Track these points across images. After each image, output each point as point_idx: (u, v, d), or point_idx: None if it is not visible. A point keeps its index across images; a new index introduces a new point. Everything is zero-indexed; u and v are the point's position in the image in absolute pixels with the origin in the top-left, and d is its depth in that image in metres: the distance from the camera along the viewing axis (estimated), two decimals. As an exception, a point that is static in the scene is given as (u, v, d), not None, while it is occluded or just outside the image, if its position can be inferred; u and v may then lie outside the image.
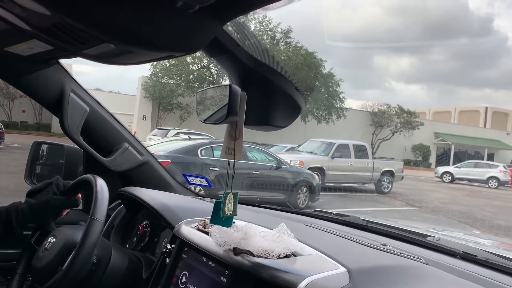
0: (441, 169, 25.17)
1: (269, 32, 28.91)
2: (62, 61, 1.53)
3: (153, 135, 18.50)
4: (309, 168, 11.29)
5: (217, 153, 8.25)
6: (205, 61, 27.82)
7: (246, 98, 0.94)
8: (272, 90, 0.93)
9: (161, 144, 9.37)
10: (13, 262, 1.29)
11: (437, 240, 1.31)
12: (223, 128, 1.01)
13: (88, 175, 1.21)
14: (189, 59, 27.51)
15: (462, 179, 23.23)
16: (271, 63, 0.91)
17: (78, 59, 1.02)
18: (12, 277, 1.24)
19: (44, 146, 1.97)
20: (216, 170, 7.78)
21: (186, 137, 10.68)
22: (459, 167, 24.64)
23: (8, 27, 0.90)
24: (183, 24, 0.70)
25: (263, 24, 28.75)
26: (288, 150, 16.61)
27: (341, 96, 30.56)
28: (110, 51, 0.78)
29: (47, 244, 1.16)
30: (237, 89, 0.91)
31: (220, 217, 1.01)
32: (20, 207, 1.22)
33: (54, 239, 1.16)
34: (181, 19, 0.69)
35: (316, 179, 9.79)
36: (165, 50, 0.76)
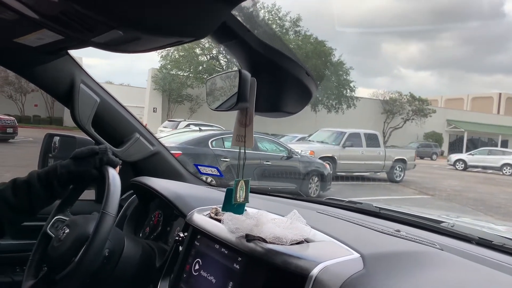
0: (454, 156, 24.89)
1: (278, 21, 28.70)
2: (72, 53, 1.53)
3: (164, 127, 18.58)
4: (320, 158, 11.24)
5: (228, 144, 8.26)
6: (214, 52, 27.75)
7: (256, 84, 0.93)
8: (282, 76, 0.92)
9: (172, 135, 9.40)
10: (30, 253, 1.30)
11: (452, 226, 1.30)
12: (233, 119, 1.00)
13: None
14: (198, 50, 27.47)
15: (475, 167, 22.94)
16: (281, 48, 0.89)
17: (88, 51, 1.01)
18: (29, 264, 1.25)
19: (56, 138, 1.98)
20: (227, 161, 7.80)
21: (197, 128, 10.71)
22: (472, 155, 24.34)
23: (17, 17, 0.90)
24: (191, 8, 0.69)
25: (272, 13, 28.56)
26: (298, 140, 16.56)
27: (351, 85, 30.37)
28: (118, 38, 0.78)
29: (61, 235, 1.17)
30: (247, 74, 0.90)
31: (232, 205, 1.01)
32: (59, 172, 1.20)
33: (68, 230, 1.17)
34: (189, 3, 0.68)
35: (327, 168, 9.75)
36: (173, 35, 0.75)
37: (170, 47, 0.88)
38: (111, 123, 1.69)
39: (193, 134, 8.95)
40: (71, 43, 1.12)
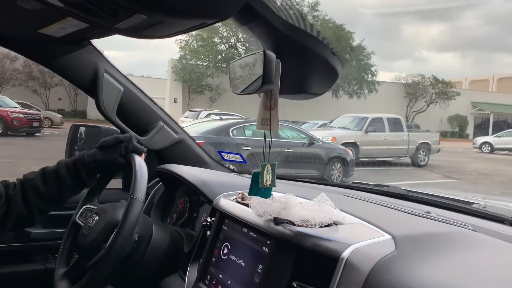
0: (480, 139, 24.32)
1: (296, 6, 28.29)
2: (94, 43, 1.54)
3: (185, 117, 18.72)
4: (343, 144, 11.15)
5: (248, 132, 8.28)
6: (232, 40, 27.68)
7: (280, 65, 0.91)
8: (307, 55, 0.90)
9: (193, 125, 9.47)
10: (60, 241, 1.33)
11: (484, 207, 1.27)
12: (253, 107, 0.99)
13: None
14: (216, 39, 27.43)
15: (502, 149, 22.34)
16: (305, 26, 0.87)
17: (108, 44, 1.01)
18: (60, 253, 1.28)
19: (82, 129, 2.02)
20: (248, 149, 7.81)
21: (217, 117, 10.75)
22: (499, 137, 23.71)
23: (41, 7, 0.90)
24: None
25: (290, -2, 28.18)
26: (320, 126, 16.44)
27: (372, 69, 29.87)
28: (142, 23, 0.77)
29: (91, 222, 1.19)
30: (272, 55, 0.88)
31: (259, 188, 1.01)
32: (86, 161, 1.22)
33: (97, 217, 1.19)
34: None
35: (350, 154, 9.65)
36: (197, 17, 0.74)
37: (193, 30, 0.87)
38: (135, 112, 1.70)
39: (214, 123, 8.99)
40: (94, 32, 1.12)
